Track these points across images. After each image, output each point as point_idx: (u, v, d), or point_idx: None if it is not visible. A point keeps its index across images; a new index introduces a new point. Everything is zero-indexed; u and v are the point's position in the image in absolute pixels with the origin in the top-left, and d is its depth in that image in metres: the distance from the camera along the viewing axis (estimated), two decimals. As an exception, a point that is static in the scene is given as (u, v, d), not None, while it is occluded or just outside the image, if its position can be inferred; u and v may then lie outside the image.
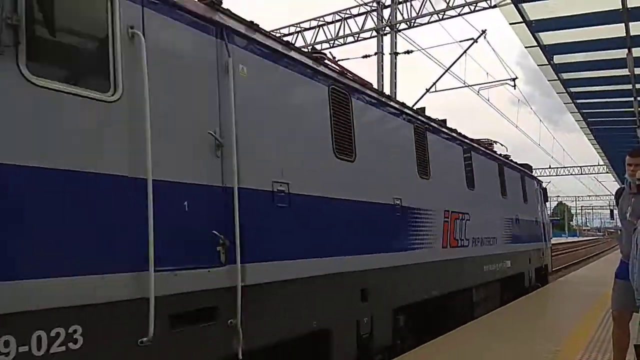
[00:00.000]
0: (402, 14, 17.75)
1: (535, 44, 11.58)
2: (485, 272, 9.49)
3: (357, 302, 5.33)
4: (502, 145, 12.31)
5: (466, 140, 9.37)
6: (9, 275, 2.52)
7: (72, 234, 2.82)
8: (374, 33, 18.31)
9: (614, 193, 5.80)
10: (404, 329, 6.35)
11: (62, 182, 2.79)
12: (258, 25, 4.46)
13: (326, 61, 5.56)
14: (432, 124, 7.93)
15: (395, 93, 17.45)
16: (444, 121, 8.82)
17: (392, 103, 6.96)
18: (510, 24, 10.71)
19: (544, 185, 15.99)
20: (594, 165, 44.90)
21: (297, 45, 19.31)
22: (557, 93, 15.36)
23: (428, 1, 17.09)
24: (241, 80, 4.00)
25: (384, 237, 6.09)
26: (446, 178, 8.03)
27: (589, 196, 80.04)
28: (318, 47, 19.45)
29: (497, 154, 11.43)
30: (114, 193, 3.06)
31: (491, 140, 11.74)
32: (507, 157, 12.30)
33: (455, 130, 9.01)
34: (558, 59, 12.56)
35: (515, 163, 12.86)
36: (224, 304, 3.66)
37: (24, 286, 2.57)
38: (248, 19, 4.40)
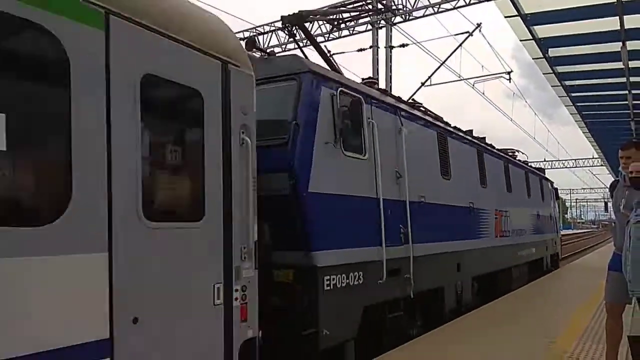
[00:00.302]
0: (397, 7, 17.73)
1: (530, 37, 11.58)
2: (518, 256, 12.53)
3: (455, 272, 8.45)
4: (522, 153, 15.24)
5: (505, 156, 12.52)
6: (345, 244, 5.57)
7: (362, 227, 5.95)
8: (369, 26, 18.26)
9: (608, 186, 5.83)
10: (476, 292, 9.52)
11: (355, 201, 5.85)
12: (412, 104, 8.38)
13: (430, 113, 8.66)
14: (487, 147, 11.16)
15: (390, 87, 17.44)
16: (491, 146, 11.73)
17: (467, 137, 10.01)
18: (506, 17, 10.71)
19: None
20: (589, 158, 45.11)
21: (288, 40, 19.18)
22: (552, 86, 15.40)
23: (423, -6, 17.04)
24: (405, 137, 6.95)
25: (466, 229, 9.11)
26: (495, 185, 10.86)
27: (584, 189, 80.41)
28: (313, 40, 19.41)
29: (521, 162, 14.30)
30: (370, 206, 6.08)
31: (515, 150, 14.54)
32: (526, 162, 15.18)
33: (500, 150, 12.37)
34: (553, 52, 12.58)
35: (534, 168, 15.95)
36: (404, 266, 6.61)
37: (349, 252, 5.61)
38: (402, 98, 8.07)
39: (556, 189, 19.21)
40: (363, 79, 7.57)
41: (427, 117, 8.21)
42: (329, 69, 6.39)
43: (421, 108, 8.46)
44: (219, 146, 3.84)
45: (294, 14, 6.67)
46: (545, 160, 44.95)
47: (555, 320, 7.59)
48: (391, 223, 6.31)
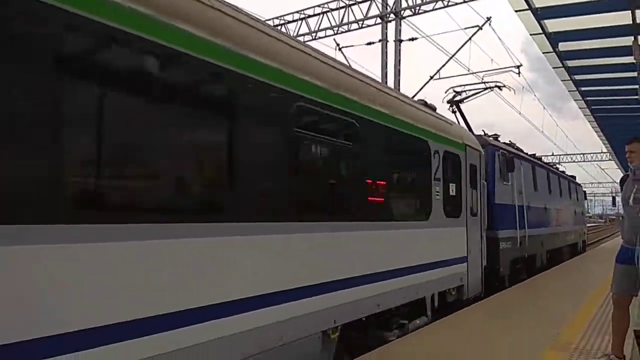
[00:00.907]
0: (406, 1, 17.70)
1: (540, 31, 11.56)
2: (566, 239, 18.94)
3: (540, 246, 14.46)
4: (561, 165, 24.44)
5: (557, 171, 19.33)
6: (505, 227, 11.61)
7: (510, 219, 11.94)
8: (378, 20, 18.27)
9: (616, 180, 5.89)
10: (547, 259, 15.62)
11: (507, 207, 11.84)
12: (520, 149, 14.71)
13: (528, 154, 15.42)
14: (550, 167, 18.29)
15: (399, 80, 17.48)
16: (554, 165, 20.19)
17: (540, 162, 16.50)
18: (516, 11, 10.70)
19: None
20: (597, 153, 44.91)
21: (300, 31, 19.24)
22: (562, 80, 15.35)
23: (433, -13, 17.03)
24: (522, 170, 12.92)
25: (544, 221, 15.25)
26: (555, 192, 17.20)
27: (592, 183, 79.84)
28: (322, 34, 19.44)
29: (563, 172, 21.02)
30: (512, 209, 11.99)
31: (556, 163, 22.16)
32: (563, 172, 21.53)
33: (550, 165, 19.88)
34: (563, 46, 12.54)
35: (570, 176, 22.20)
36: (523, 240, 12.41)
37: (507, 231, 11.73)
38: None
39: (585, 192, 26.13)
40: (489, 135, 12.77)
41: (527, 156, 14.61)
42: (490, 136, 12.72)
43: (524, 151, 14.89)
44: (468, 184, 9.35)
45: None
46: (553, 155, 44.82)
47: (562, 312, 7.66)
48: (519, 217, 12.24)
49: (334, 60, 6.31)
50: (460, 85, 13.60)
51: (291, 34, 18.94)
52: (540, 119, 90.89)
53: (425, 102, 9.06)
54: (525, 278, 12.16)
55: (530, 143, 24.80)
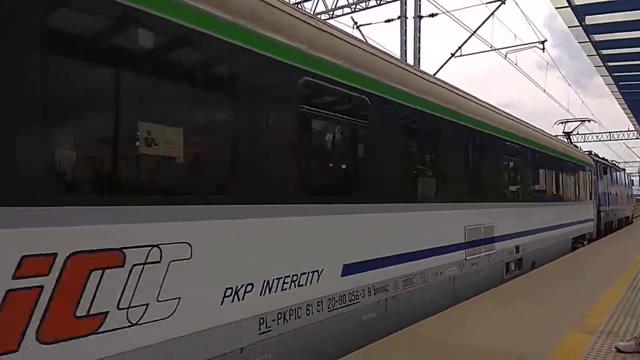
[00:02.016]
0: (426, -24, 17.23)
1: (566, 4, 11.18)
2: (624, 212, 27.51)
3: (614, 215, 24.18)
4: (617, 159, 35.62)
5: (619, 167, 29.09)
6: (607, 205, 22.29)
7: (607, 201, 22.38)
8: (397, -4, 17.85)
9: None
10: (617, 226, 24.95)
11: (604, 194, 22.01)
12: (604, 159, 25.14)
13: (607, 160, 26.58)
14: (616, 166, 28.64)
15: (419, 59, 17.13)
16: (614, 163, 29.84)
17: (613, 165, 27.15)
18: (540, -17, 10.34)
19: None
20: (624, 131, 43.76)
21: (317, 9, 18.96)
22: (588, 56, 14.91)
23: (453, -39, 16.55)
24: (608, 173, 23.11)
25: (613, 201, 24.02)
26: (619, 182, 26.68)
27: (618, 162, 77.99)
28: (339, 12, 19.11)
29: (619, 165, 31.02)
30: (607, 195, 22.51)
31: (614, 161, 31.47)
32: (618, 163, 34.51)
33: (618, 165, 31.91)
34: (590, 19, 12.13)
35: (620, 167, 30.85)
36: (608, 212, 22.36)
37: (606, 207, 22.25)
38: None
39: (632, 180, 35.86)
40: (593, 153, 21.88)
41: (608, 163, 24.07)
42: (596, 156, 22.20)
43: (607, 160, 25.00)
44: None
45: None
46: (578, 133, 43.87)
47: (590, 294, 7.50)
48: (607, 199, 21.67)
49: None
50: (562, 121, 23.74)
51: (328, 7, 18.72)
52: (564, 96, 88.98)
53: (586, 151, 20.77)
54: (609, 232, 20.91)
55: (555, 121, 24.37)
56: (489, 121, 8.83)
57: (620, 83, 17.96)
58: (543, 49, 17.73)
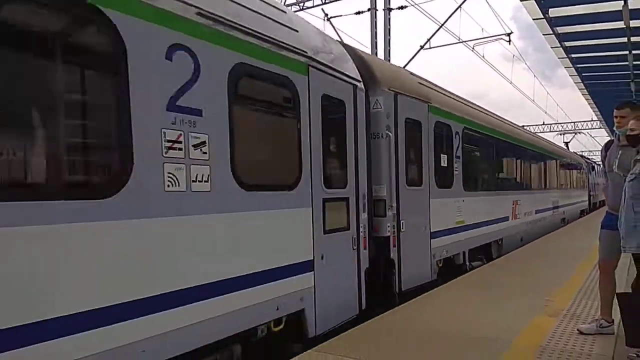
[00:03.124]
0: (395, -32, 17.30)
1: (531, -4, 11.40)
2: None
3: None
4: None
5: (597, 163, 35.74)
6: None
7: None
8: (367, -12, 17.88)
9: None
10: None
11: None
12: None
13: None
14: (596, 164, 34.68)
15: (389, 51, 17.24)
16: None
17: None
18: (505, -24, 10.49)
19: None
20: (588, 121, 44.90)
21: (287, 1, 18.83)
22: (552, 47, 15.22)
23: (421, -46, 16.65)
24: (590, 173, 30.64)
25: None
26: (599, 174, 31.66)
27: (582, 151, 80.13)
28: (309, 3, 19.06)
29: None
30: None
31: (583, 151, 41.84)
32: (583, 153, 39.54)
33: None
34: (553, 12, 12.39)
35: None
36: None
37: None
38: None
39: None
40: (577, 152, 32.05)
41: (594, 162, 31.99)
42: None
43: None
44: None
45: None
46: (544, 124, 44.87)
47: (553, 280, 7.74)
48: (595, 188, 30.74)
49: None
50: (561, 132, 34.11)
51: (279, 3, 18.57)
52: (530, 88, 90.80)
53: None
54: (595, 209, 27.55)
55: (522, 112, 24.76)
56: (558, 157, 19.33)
57: (583, 74, 18.41)
58: (509, 41, 18.04)
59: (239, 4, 4.38)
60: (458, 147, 9.09)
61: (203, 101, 3.85)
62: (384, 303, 6.44)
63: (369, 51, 15.76)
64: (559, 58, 16.37)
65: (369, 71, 6.67)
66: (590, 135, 50.00)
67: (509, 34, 17.95)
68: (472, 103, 10.70)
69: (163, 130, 3.54)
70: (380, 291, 6.61)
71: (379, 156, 6.63)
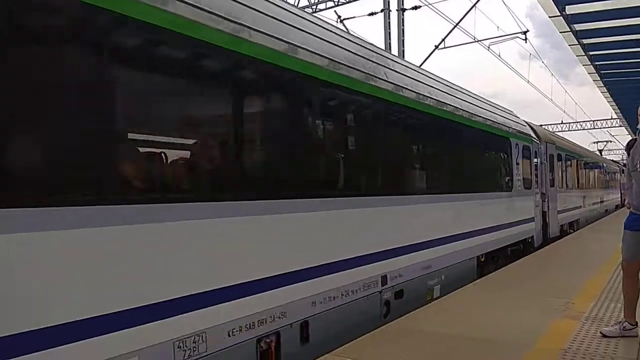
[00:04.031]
0: (408, -31, 17.24)
1: (547, -6, 11.24)
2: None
3: None
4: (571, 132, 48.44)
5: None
6: None
7: None
8: (380, -11, 17.83)
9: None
10: None
11: None
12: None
13: None
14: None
15: (403, 51, 17.16)
16: None
17: None
18: (521, -26, 10.37)
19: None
20: (607, 119, 44.22)
21: (299, 5, 18.90)
22: (569, 45, 15.00)
23: (435, -47, 16.56)
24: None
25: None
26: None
27: (601, 150, 78.95)
28: (322, 6, 19.07)
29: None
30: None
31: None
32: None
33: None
34: (570, 9, 12.21)
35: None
36: None
37: None
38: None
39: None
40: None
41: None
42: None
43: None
44: None
45: None
46: (562, 122, 44.25)
47: (573, 282, 7.61)
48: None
49: None
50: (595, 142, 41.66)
51: (311, 2, 18.61)
52: (548, 86, 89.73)
53: None
54: None
55: (540, 111, 24.71)
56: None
57: (602, 72, 18.11)
58: (525, 39, 17.86)
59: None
60: (569, 164, 17.54)
61: None
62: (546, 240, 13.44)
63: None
64: (577, 56, 16.12)
65: (536, 133, 13.85)
66: (610, 134, 49.29)
67: (525, 32, 17.77)
68: (568, 140, 20.93)
69: None
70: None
71: (542, 173, 13.65)
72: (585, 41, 14.59)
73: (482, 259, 9.07)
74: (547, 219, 13.51)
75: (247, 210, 4.16)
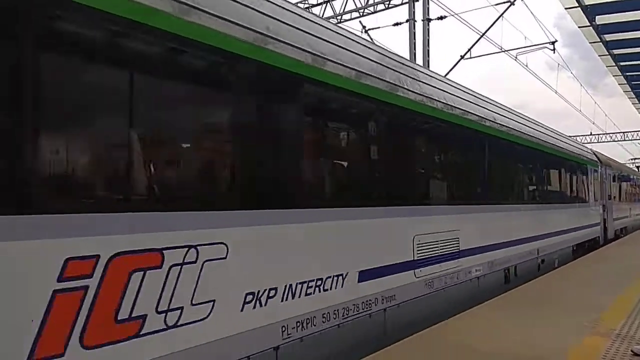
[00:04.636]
0: (434, -21, 17.19)
1: (576, 4, 11.10)
2: None
3: None
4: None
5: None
6: None
7: None
8: (406, -1, 17.83)
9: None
10: None
11: None
12: None
13: None
14: None
15: (428, 61, 17.09)
16: None
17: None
18: (549, -16, 10.26)
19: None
20: (638, 131, 43.19)
21: (325, 14, 18.97)
22: (599, 56, 14.78)
23: (461, -36, 16.51)
24: None
25: None
26: None
27: (632, 160, 77.02)
28: (347, 16, 19.15)
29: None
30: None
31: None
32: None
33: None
34: (600, 19, 12.02)
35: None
36: None
37: None
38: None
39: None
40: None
41: None
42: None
43: None
44: None
45: None
46: (591, 134, 43.37)
47: (601, 298, 7.41)
48: None
49: None
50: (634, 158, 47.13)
51: (336, 12, 18.72)
52: (576, 97, 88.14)
53: None
54: None
55: (569, 122, 24.17)
56: None
57: (632, 83, 17.77)
58: (554, 49, 17.61)
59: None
60: (619, 181, 21.29)
61: None
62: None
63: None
64: (607, 66, 15.86)
65: (599, 159, 17.17)
66: (641, 146, 48.08)
67: (553, 43, 17.53)
68: (617, 161, 24.22)
69: None
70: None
71: (603, 189, 17.13)
72: (615, 52, 14.35)
73: (574, 248, 13.63)
74: (606, 225, 17.56)
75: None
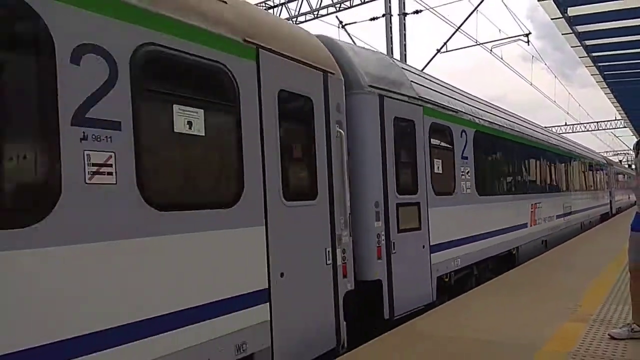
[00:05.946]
0: (409, -27, 17.23)
1: (548, -4, 11.22)
2: None
3: None
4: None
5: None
6: None
7: None
8: (382, -6, 17.85)
9: (633, 145, 5.73)
10: None
11: None
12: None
13: None
14: None
15: (405, 55, 17.18)
16: None
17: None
18: (522, -24, 10.37)
19: None
20: (611, 120, 44.13)
21: (302, 9, 18.85)
22: (572, 47, 14.95)
23: (436, -42, 16.57)
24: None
25: None
26: None
27: (606, 152, 78.63)
28: (323, 11, 19.12)
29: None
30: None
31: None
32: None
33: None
34: (573, 10, 12.18)
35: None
36: None
37: None
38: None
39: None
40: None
41: None
42: None
43: None
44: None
45: None
46: (566, 124, 44.19)
47: (581, 283, 7.57)
48: None
49: None
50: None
51: (291, 14, 18.64)
52: (550, 88, 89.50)
53: None
54: None
55: (544, 113, 24.65)
56: None
57: (605, 73, 18.05)
58: (528, 41, 17.90)
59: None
60: (617, 174, 29.93)
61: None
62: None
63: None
64: (579, 57, 16.08)
65: (606, 160, 29.25)
66: (614, 135, 49.22)
67: (527, 35, 17.78)
68: (616, 161, 36.26)
69: None
70: None
71: (610, 180, 27.36)
72: (587, 42, 14.55)
73: (591, 222, 19.61)
74: (611, 204, 25.26)
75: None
